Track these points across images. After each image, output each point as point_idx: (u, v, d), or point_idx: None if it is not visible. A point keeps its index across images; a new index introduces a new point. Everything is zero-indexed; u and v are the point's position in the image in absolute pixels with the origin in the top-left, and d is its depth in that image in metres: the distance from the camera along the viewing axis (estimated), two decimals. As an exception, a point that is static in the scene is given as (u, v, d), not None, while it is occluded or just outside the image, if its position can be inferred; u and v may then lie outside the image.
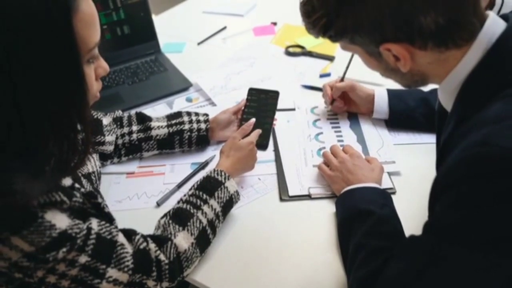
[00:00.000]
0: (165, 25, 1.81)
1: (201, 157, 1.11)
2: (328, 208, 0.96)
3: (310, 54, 1.56)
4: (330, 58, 1.52)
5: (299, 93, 1.37)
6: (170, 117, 1.13)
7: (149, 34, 1.59)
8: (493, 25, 0.66)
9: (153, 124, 1.10)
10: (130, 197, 1.02)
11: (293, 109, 1.28)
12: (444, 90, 0.74)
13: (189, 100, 1.37)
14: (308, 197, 1.00)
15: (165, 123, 1.11)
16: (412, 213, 0.88)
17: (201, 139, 1.13)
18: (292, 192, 1.01)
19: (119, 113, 1.12)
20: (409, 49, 0.67)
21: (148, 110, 1.32)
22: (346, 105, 1.23)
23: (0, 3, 0.53)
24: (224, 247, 0.90)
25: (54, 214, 0.62)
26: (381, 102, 1.16)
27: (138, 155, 1.12)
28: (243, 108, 1.18)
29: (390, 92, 1.16)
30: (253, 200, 1.00)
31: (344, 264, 0.84)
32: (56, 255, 0.62)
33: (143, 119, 1.11)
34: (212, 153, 1.13)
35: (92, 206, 0.71)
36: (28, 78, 0.56)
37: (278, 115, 1.23)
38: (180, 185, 1.03)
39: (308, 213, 0.96)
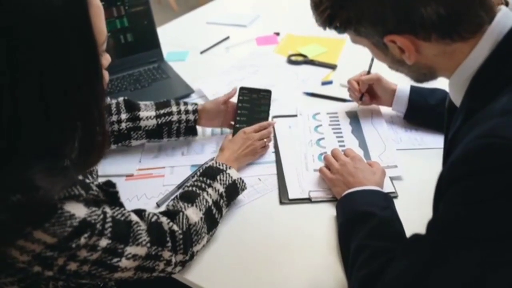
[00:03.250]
0: (169, 35, 1.83)
1: (201, 159, 1.11)
2: (328, 212, 0.95)
3: (312, 62, 1.56)
4: (332, 67, 1.52)
5: (301, 100, 1.37)
6: (159, 106, 1.14)
7: (152, 42, 1.60)
8: (504, 18, 0.65)
9: (142, 114, 1.12)
10: (129, 199, 1.01)
11: (295, 115, 1.27)
12: (454, 85, 0.73)
13: (190, 105, 1.37)
14: (309, 200, 0.99)
15: (153, 113, 1.12)
16: (414, 217, 0.86)
17: (189, 130, 1.16)
18: (292, 195, 1.00)
19: (106, 100, 1.13)
20: (414, 41, 0.66)
21: (150, 115, 1.32)
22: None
23: (23, 3, 0.55)
24: (223, 249, 0.89)
25: (72, 205, 0.63)
26: (402, 96, 1.16)
27: (126, 143, 1.13)
28: (235, 109, 1.18)
29: (413, 88, 1.16)
30: (254, 200, 1.00)
31: (345, 266, 0.82)
32: (78, 242, 0.63)
33: (132, 107, 1.12)
34: (212, 155, 1.12)
35: (107, 196, 0.71)
36: (54, 73, 0.58)
37: (279, 120, 1.23)
38: (180, 186, 1.02)
39: (308, 216, 0.95)
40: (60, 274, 0.66)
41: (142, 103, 1.15)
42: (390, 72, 0.81)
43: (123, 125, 1.10)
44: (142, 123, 1.11)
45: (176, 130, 1.14)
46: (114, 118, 1.10)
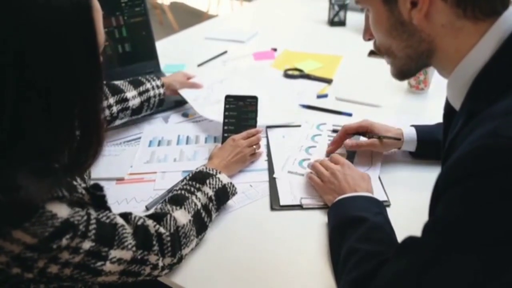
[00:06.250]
0: (167, 48, 1.84)
1: (192, 165, 1.09)
2: (319, 218, 0.94)
3: (308, 76, 1.57)
4: (328, 81, 1.53)
5: (296, 112, 1.37)
6: (134, 84, 1.25)
7: (150, 53, 1.61)
8: (511, 16, 0.63)
9: (128, 95, 1.20)
10: (118, 202, 1.00)
11: (296, 125, 1.28)
12: (453, 86, 0.71)
13: (185, 115, 1.37)
14: (300, 207, 0.98)
15: (136, 92, 1.23)
16: (406, 226, 0.85)
17: (159, 103, 1.31)
18: (283, 201, 0.99)
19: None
20: None
21: (144, 124, 1.32)
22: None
23: (32, 10, 0.55)
24: (212, 254, 0.87)
25: (55, 205, 0.61)
26: (411, 137, 1.08)
27: (111, 124, 1.21)
28: (223, 118, 1.18)
29: (418, 128, 1.09)
30: (244, 206, 0.98)
31: (335, 272, 0.81)
32: (59, 243, 0.61)
33: (115, 90, 1.20)
34: (204, 161, 1.11)
35: (94, 199, 0.70)
36: (59, 79, 0.59)
37: (274, 130, 1.24)
38: (170, 190, 1.01)
39: (298, 223, 0.94)
40: (41, 277, 0.64)
41: (119, 83, 1.21)
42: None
43: (114, 108, 1.17)
44: (130, 103, 1.22)
45: (153, 104, 1.28)
46: (104, 103, 1.13)
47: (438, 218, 0.61)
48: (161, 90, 1.29)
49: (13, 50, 0.55)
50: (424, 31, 0.68)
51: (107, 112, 1.14)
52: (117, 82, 1.23)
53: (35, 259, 0.61)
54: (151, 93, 1.26)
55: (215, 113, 1.27)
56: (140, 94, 1.24)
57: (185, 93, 1.39)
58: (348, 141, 1.11)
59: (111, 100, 1.17)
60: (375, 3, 0.71)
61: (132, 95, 1.22)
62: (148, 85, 1.26)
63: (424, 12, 0.65)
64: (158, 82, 1.29)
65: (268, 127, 1.26)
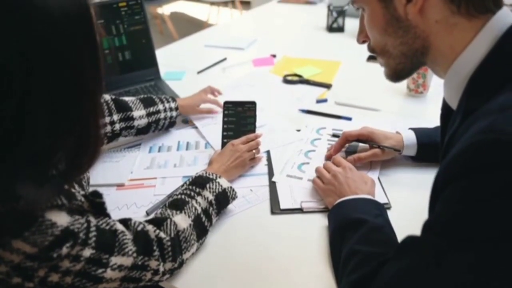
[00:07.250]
0: (167, 56, 1.86)
1: (193, 171, 1.09)
2: (320, 222, 0.94)
3: (307, 82, 1.58)
4: (327, 86, 1.54)
5: (296, 117, 1.37)
6: (145, 103, 1.20)
7: (150, 61, 1.62)
8: (505, 16, 0.64)
9: (135, 114, 1.17)
10: (119, 208, 1.00)
11: (299, 130, 1.28)
12: (449, 85, 0.71)
13: (185, 122, 1.37)
14: (300, 210, 0.98)
15: (144, 112, 1.19)
16: (407, 228, 0.85)
17: (170, 125, 1.28)
18: (283, 205, 0.99)
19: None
20: None
21: (144, 130, 1.32)
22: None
23: (32, 12, 0.55)
24: (213, 258, 0.87)
25: (54, 213, 0.61)
26: (411, 142, 1.09)
27: (114, 141, 1.18)
28: (222, 124, 1.18)
29: (417, 131, 1.10)
30: (245, 210, 0.98)
31: (336, 274, 0.81)
32: (60, 252, 0.61)
33: (122, 107, 1.16)
34: (204, 167, 1.11)
35: (93, 207, 0.69)
36: (58, 75, 0.57)
37: (275, 135, 1.24)
38: (170, 195, 1.01)
39: (299, 226, 0.94)
40: (42, 285, 0.63)
41: (129, 101, 1.18)
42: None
43: (117, 126, 1.14)
44: (136, 123, 1.17)
45: (161, 126, 1.24)
46: (107, 119, 1.11)
47: (436, 217, 0.60)
48: (174, 113, 1.25)
49: (15, 52, 0.54)
50: (419, 26, 0.68)
51: (108, 128, 1.11)
52: (128, 99, 1.19)
53: (35, 268, 0.60)
54: (162, 115, 1.22)
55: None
56: (149, 115, 1.19)
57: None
58: (350, 158, 1.10)
59: (115, 117, 1.13)
60: (371, 1, 0.72)
61: (139, 115, 1.17)
62: (160, 106, 1.22)
63: (419, 6, 0.66)
64: (172, 105, 1.25)
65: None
